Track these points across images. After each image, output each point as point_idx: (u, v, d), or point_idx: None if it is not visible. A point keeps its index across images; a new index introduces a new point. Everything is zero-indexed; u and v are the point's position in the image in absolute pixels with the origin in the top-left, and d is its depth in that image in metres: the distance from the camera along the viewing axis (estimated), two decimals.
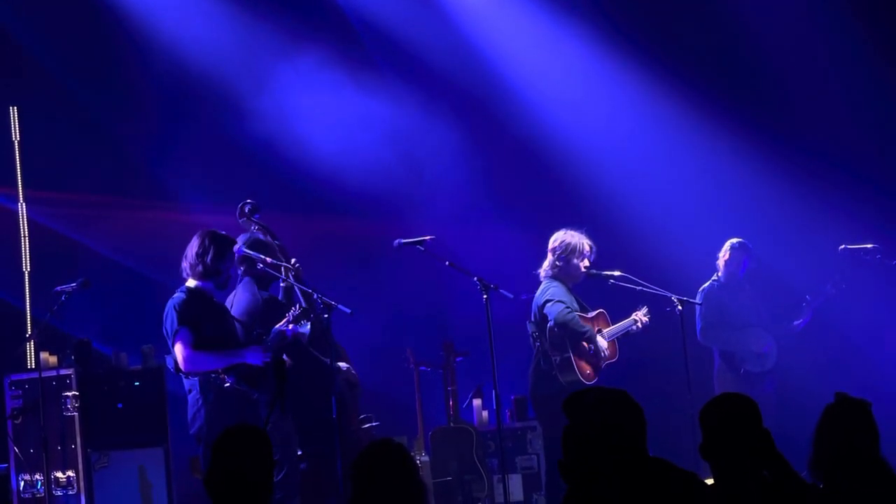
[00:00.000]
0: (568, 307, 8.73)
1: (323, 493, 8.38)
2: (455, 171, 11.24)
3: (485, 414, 10.57)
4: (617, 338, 9.04)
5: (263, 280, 8.23)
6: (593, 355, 8.82)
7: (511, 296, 8.32)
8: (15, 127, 10.24)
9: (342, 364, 8.53)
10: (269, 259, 8.06)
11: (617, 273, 8.98)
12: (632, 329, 9.08)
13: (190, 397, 7.70)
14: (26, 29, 10.49)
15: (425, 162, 11.25)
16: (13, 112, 10.26)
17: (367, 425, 8.67)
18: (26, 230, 10.20)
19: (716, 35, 11.31)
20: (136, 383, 8.81)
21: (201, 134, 10.81)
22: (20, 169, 10.22)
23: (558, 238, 9.00)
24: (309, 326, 7.94)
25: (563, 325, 8.70)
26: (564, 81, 11.43)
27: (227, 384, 7.61)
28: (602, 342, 8.87)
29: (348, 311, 7.73)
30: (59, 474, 8.58)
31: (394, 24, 11.24)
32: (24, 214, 10.21)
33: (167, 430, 8.76)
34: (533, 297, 8.95)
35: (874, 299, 10.55)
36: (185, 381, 7.72)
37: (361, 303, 8.54)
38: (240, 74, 10.81)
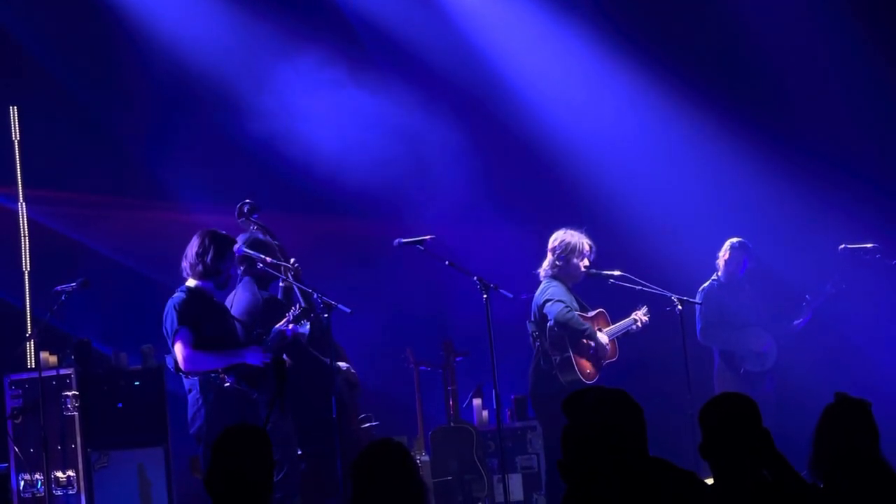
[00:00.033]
0: (567, 306, 8.72)
1: (323, 493, 8.38)
2: (455, 171, 11.23)
3: (485, 413, 10.57)
4: (617, 337, 9.04)
5: (263, 280, 8.23)
6: (593, 354, 8.82)
7: (511, 295, 8.32)
8: (15, 127, 10.25)
9: (342, 364, 8.53)
10: (269, 259, 8.06)
11: (617, 273, 8.99)
12: (631, 328, 9.08)
13: (190, 397, 7.70)
14: (26, 29, 10.49)
15: (425, 162, 11.24)
16: (13, 112, 10.26)
17: (366, 425, 8.67)
18: (26, 230, 10.20)
19: (716, 35, 11.31)
20: (136, 383, 8.81)
21: (201, 134, 10.81)
22: (20, 168, 10.22)
23: (558, 237, 9.00)
24: (308, 326, 7.95)
25: (562, 325, 8.70)
26: (564, 81, 11.43)
27: (227, 384, 7.61)
28: (603, 338, 8.86)
29: (348, 310, 7.73)
30: (59, 474, 8.59)
31: (394, 24, 11.24)
32: (24, 214, 10.21)
33: (167, 429, 8.77)
34: (533, 296, 8.96)
35: (874, 299, 10.55)
36: (184, 380, 7.72)
37: (361, 302, 8.54)
38: (239, 74, 10.81)
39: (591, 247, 9.00)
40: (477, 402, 10.59)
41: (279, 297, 8.34)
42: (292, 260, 8.33)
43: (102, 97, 10.76)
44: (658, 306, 9.08)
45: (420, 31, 11.24)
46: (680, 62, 11.21)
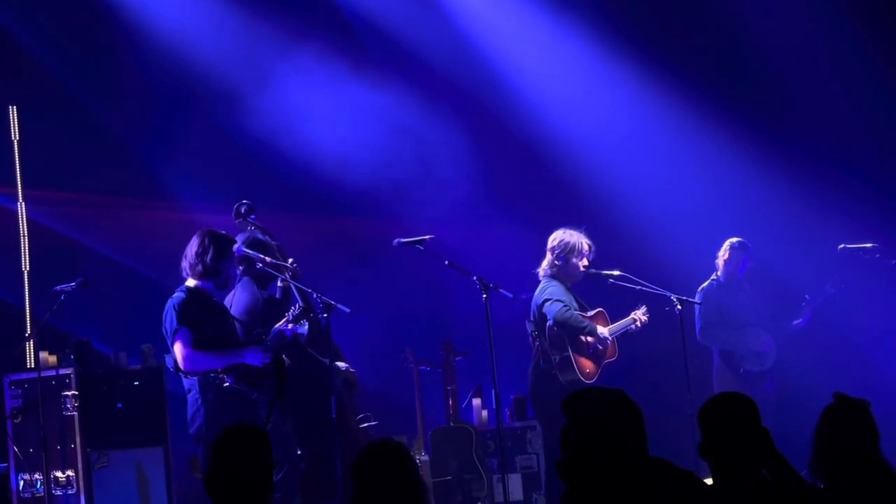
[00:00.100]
0: (566, 306, 8.72)
1: (323, 493, 8.38)
2: (455, 171, 11.23)
3: (484, 413, 10.58)
4: (616, 337, 9.03)
5: (262, 279, 8.23)
6: (593, 353, 8.82)
7: (510, 295, 8.32)
8: (14, 126, 10.25)
9: (340, 364, 8.52)
10: (268, 259, 8.06)
11: (616, 272, 8.99)
12: (631, 328, 9.08)
13: (189, 397, 7.70)
14: (26, 29, 10.49)
15: (425, 161, 11.25)
16: (13, 111, 10.26)
17: (364, 424, 8.66)
18: (26, 229, 10.20)
19: (716, 35, 11.31)
20: (136, 383, 8.82)
21: (201, 133, 10.81)
22: (20, 168, 10.22)
23: (557, 237, 9.00)
24: (307, 326, 7.95)
25: (562, 324, 8.70)
26: (564, 81, 11.43)
27: (227, 384, 7.60)
28: (603, 330, 8.86)
29: (348, 310, 7.73)
30: (59, 474, 8.59)
31: (394, 24, 11.24)
32: (24, 214, 10.21)
33: (167, 429, 8.77)
34: (532, 296, 8.96)
35: (874, 299, 10.54)
36: (184, 380, 7.72)
37: (361, 302, 8.54)
38: (239, 74, 10.81)
39: (590, 246, 9.00)
40: (476, 401, 10.59)
41: (277, 296, 8.34)
42: (290, 260, 8.33)
43: (102, 97, 10.76)
44: (657, 306, 9.08)
45: (420, 32, 11.24)
46: (680, 62, 11.21)
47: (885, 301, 10.55)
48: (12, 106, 10.26)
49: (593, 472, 4.22)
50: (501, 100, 11.44)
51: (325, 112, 10.85)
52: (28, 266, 10.19)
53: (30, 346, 9.48)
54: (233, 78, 10.77)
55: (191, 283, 7.75)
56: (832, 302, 10.27)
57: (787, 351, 10.21)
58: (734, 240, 10.14)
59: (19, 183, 10.20)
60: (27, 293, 10.15)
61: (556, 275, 8.94)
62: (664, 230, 11.10)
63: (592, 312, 8.98)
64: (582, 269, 8.96)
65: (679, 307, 8.87)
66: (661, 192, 11.30)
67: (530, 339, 8.93)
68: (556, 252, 8.96)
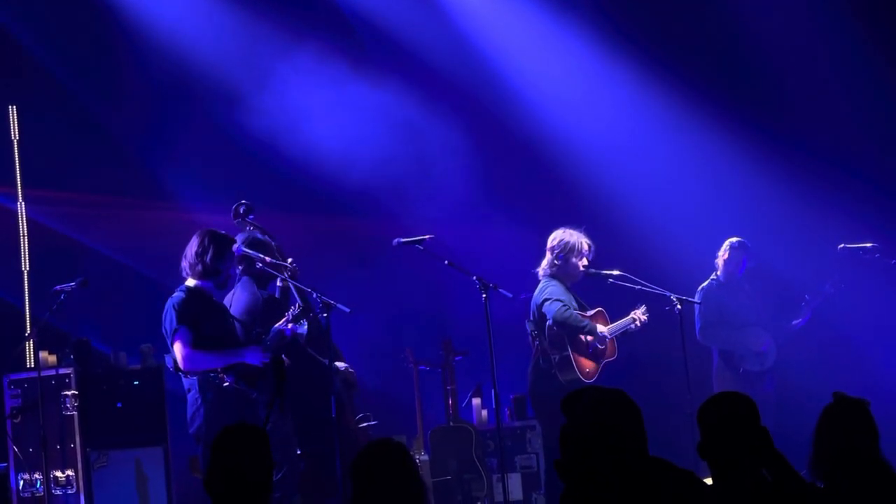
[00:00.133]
0: (566, 305, 8.72)
1: (322, 493, 8.38)
2: (455, 170, 11.23)
3: (484, 413, 10.58)
4: (616, 337, 9.03)
5: (261, 279, 8.23)
6: (592, 353, 8.82)
7: (510, 295, 8.32)
8: (14, 126, 10.24)
9: (339, 364, 8.52)
10: (268, 258, 8.06)
11: (616, 272, 8.99)
12: (630, 328, 9.07)
13: (189, 396, 7.70)
14: (26, 29, 10.49)
15: (425, 161, 11.25)
16: (12, 111, 10.26)
17: (363, 424, 8.66)
18: (25, 229, 10.20)
19: (716, 35, 11.31)
20: (136, 382, 8.82)
21: (201, 133, 10.81)
22: (19, 168, 10.22)
23: (557, 237, 9.00)
24: (306, 326, 7.94)
25: (561, 323, 8.70)
26: (564, 81, 11.43)
27: (227, 383, 7.60)
28: (603, 329, 8.86)
29: (347, 310, 7.73)
30: (59, 473, 8.59)
31: (393, 24, 11.25)
32: (24, 214, 10.21)
33: (166, 429, 8.77)
34: (532, 296, 8.95)
35: (874, 299, 10.54)
36: (184, 380, 7.72)
37: (361, 302, 8.54)
38: (239, 74, 10.81)
39: (589, 246, 9.00)
40: (476, 401, 10.59)
41: (276, 296, 8.34)
42: (290, 260, 8.33)
43: (102, 97, 10.76)
44: (657, 306, 9.08)
45: (420, 31, 11.25)
46: (680, 62, 11.21)
47: (885, 301, 10.54)
48: (12, 106, 10.26)
49: (593, 471, 4.22)
50: (501, 100, 11.44)
51: (326, 112, 10.84)
52: (28, 266, 10.19)
53: (29, 346, 9.48)
54: (233, 78, 10.77)
55: (190, 282, 7.75)
56: (832, 302, 10.27)
57: (787, 351, 10.21)
58: (734, 240, 10.14)
59: (19, 183, 10.20)
60: (27, 293, 10.15)
61: (555, 274, 8.94)
62: (664, 230, 11.10)
63: (592, 312, 8.97)
64: (582, 268, 8.96)
65: (679, 307, 8.87)
66: (661, 192, 11.30)
67: (530, 338, 8.93)
68: (556, 252, 8.96)
